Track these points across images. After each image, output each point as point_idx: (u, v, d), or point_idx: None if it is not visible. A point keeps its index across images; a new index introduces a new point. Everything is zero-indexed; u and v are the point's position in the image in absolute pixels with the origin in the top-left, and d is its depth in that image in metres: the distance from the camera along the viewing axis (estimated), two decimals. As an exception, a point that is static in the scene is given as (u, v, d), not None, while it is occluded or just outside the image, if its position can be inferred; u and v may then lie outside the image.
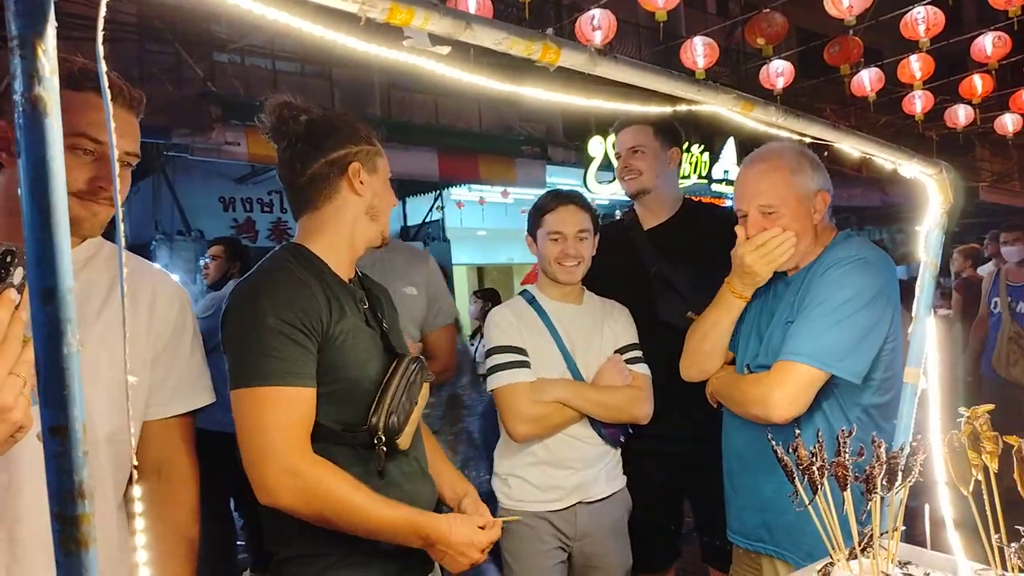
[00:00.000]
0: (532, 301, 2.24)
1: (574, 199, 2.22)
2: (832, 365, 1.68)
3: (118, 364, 1.31)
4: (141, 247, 8.30)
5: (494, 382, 2.13)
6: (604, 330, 2.24)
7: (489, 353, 2.17)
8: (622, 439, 2.27)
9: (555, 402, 2.09)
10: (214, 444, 3.51)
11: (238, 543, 4.18)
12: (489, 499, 2.10)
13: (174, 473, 1.46)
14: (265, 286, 1.50)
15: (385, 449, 1.50)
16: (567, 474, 2.14)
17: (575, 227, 2.17)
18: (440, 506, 1.73)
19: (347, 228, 1.61)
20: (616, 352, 2.24)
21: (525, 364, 2.12)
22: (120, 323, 1.32)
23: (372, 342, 1.59)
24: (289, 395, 1.42)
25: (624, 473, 2.60)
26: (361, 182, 1.59)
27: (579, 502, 2.15)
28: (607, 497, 2.20)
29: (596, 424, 2.16)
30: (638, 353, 2.27)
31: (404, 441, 1.53)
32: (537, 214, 2.25)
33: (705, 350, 1.97)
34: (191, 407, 1.49)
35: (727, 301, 1.91)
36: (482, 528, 1.61)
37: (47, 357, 0.54)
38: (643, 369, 2.25)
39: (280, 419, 1.41)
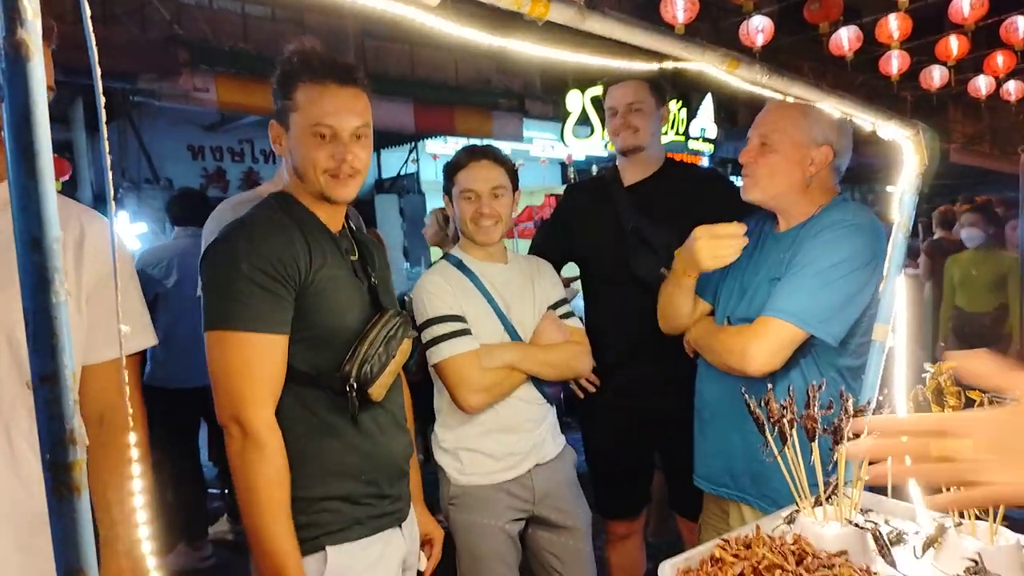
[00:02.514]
0: (460, 264, 2.13)
1: (488, 154, 2.11)
2: (813, 326, 1.71)
3: None
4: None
5: (437, 354, 2.00)
6: (534, 287, 2.20)
7: (427, 325, 2.03)
8: (560, 397, 2.26)
9: (505, 367, 2.04)
10: (179, 400, 3.53)
11: (212, 491, 4.23)
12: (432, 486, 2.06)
13: (118, 418, 1.39)
14: (244, 231, 1.51)
15: (357, 397, 1.51)
16: (520, 438, 2.09)
17: (488, 184, 2.07)
18: None
19: (294, 182, 1.61)
20: (549, 309, 2.21)
21: (467, 332, 2.03)
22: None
23: (357, 293, 1.60)
24: (254, 341, 1.43)
25: (595, 424, 2.65)
26: (279, 143, 1.58)
27: (536, 464, 2.11)
28: (558, 455, 2.18)
29: (540, 384, 2.13)
30: (568, 308, 2.27)
31: (377, 392, 1.54)
32: (450, 172, 2.13)
33: (669, 315, 2.05)
34: (130, 350, 1.45)
35: (675, 277, 1.94)
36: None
37: (35, 306, 0.54)
38: (577, 323, 2.25)
39: (241, 364, 1.42)
